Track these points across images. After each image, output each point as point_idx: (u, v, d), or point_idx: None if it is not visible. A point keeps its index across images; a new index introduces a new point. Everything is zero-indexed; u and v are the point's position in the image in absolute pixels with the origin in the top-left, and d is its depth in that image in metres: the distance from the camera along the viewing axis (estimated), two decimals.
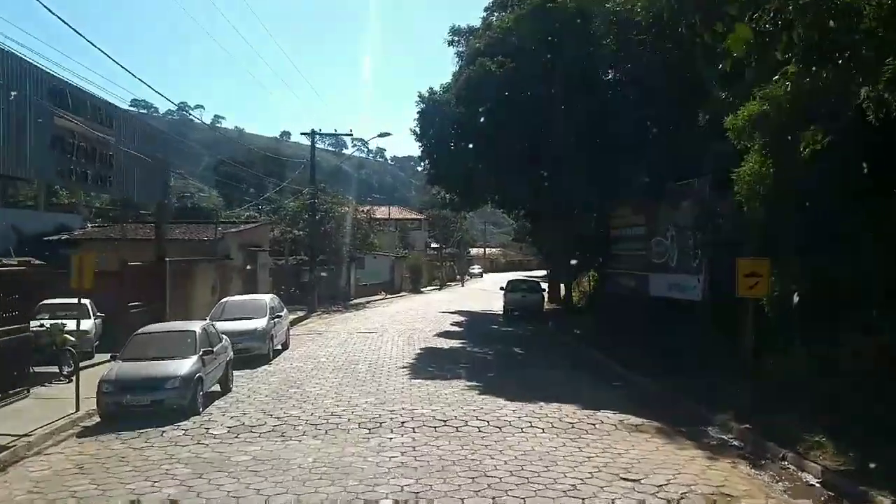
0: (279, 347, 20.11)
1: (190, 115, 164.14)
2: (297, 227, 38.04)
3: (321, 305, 35.36)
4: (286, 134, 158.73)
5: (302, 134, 33.00)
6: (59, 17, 14.11)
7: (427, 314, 33.69)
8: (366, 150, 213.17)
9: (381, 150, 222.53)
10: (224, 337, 15.04)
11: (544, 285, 37.89)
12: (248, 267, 28.54)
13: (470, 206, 30.79)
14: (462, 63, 24.83)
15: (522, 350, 21.36)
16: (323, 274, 39.44)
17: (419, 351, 20.26)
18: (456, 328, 27.45)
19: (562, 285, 44.49)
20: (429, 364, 17.76)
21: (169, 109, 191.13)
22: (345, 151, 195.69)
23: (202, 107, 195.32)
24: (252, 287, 29.26)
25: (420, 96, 24.13)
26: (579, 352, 20.17)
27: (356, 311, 36.01)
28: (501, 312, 34.68)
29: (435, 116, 23.47)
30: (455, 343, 22.50)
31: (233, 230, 27.50)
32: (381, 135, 34.09)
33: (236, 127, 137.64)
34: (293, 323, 28.81)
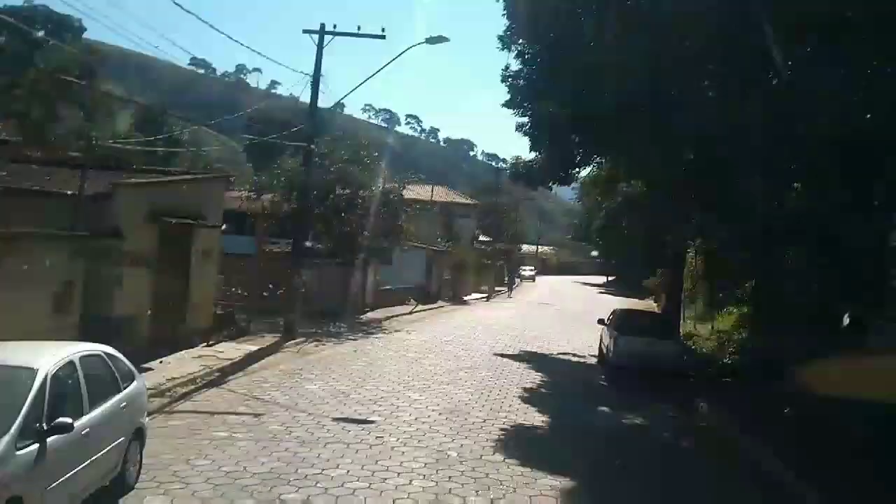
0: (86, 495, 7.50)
1: (246, 77, 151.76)
2: (293, 196, 25.30)
3: (311, 322, 22.68)
4: (340, 105, 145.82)
5: (304, 32, 19.17)
6: None
7: (475, 355, 20.57)
8: (419, 128, 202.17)
9: (434, 130, 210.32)
10: None
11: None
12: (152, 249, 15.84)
13: (581, 163, 19.90)
14: None
15: None
16: (327, 268, 26.81)
17: None
18: (533, 412, 14.00)
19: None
20: None
21: (226, 71, 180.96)
22: (397, 129, 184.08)
23: (259, 70, 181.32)
24: (179, 291, 16.68)
25: None
26: None
27: (363, 339, 22.68)
28: (596, 361, 21.64)
29: None
30: (549, 497, 9.00)
31: (134, 180, 14.68)
32: (431, 40, 19.92)
33: (291, 94, 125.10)
34: (245, 361, 16.24)
